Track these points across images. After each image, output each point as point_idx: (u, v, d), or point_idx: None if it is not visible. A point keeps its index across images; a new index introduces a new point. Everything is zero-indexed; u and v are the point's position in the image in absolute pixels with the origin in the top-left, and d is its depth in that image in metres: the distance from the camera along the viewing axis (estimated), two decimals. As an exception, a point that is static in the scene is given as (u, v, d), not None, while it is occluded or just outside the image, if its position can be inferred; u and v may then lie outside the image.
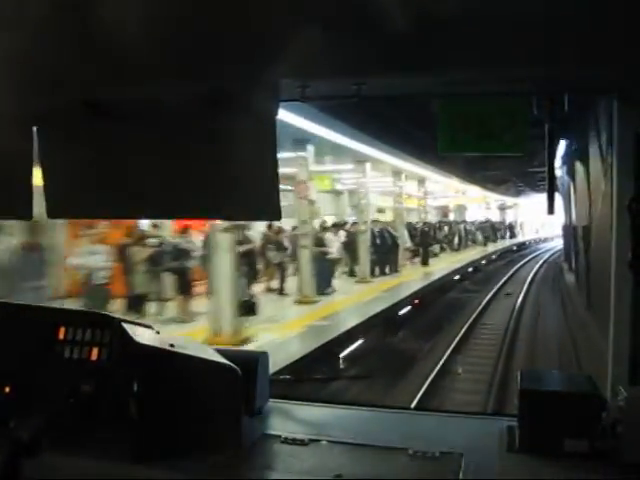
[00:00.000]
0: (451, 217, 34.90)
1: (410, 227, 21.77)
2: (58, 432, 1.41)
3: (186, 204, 1.45)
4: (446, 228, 28.16)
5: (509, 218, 46.68)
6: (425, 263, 20.63)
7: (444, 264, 20.73)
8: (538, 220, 54.64)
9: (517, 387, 1.45)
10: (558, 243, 43.76)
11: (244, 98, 1.33)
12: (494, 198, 40.13)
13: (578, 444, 1.34)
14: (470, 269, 22.91)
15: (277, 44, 1.22)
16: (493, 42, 1.20)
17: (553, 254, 33.06)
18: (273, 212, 1.38)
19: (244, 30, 1.16)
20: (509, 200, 42.91)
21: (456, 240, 28.24)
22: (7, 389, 1.54)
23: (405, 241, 19.65)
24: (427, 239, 21.83)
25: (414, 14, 1.09)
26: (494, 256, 29.67)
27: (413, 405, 7.00)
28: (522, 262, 29.14)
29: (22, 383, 1.53)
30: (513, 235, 43.35)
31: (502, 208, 45.26)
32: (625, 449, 1.29)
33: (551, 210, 1.73)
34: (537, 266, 26.70)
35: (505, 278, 21.57)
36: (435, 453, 1.42)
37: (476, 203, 37.33)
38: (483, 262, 26.23)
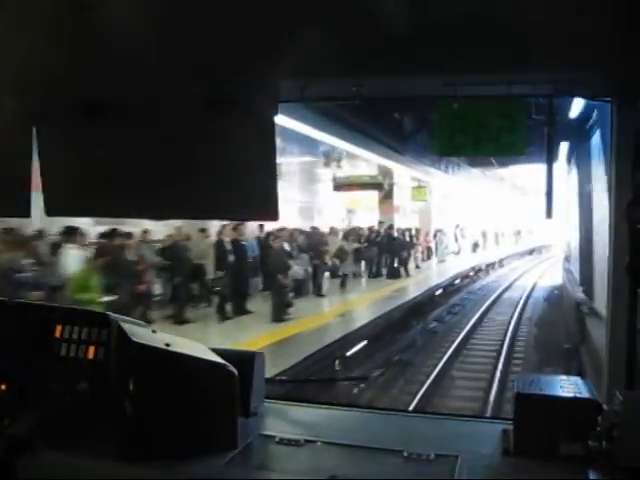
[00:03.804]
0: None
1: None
2: (53, 430, 1.41)
3: (185, 204, 1.45)
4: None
5: (408, 221, 21.39)
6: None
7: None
8: (479, 224, 28.41)
9: (513, 391, 1.45)
10: (518, 272, 24.02)
11: (244, 98, 1.33)
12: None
13: (573, 448, 1.34)
14: None
15: (277, 45, 1.22)
16: (492, 45, 1.20)
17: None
18: (272, 212, 1.38)
19: (244, 31, 1.17)
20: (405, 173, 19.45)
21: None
22: (2, 387, 1.54)
23: None
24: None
25: (413, 16, 1.09)
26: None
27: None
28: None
29: (18, 381, 1.52)
30: (403, 266, 17.31)
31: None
32: (621, 453, 1.29)
33: (549, 214, 1.73)
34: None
35: None
36: (430, 455, 1.42)
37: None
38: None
